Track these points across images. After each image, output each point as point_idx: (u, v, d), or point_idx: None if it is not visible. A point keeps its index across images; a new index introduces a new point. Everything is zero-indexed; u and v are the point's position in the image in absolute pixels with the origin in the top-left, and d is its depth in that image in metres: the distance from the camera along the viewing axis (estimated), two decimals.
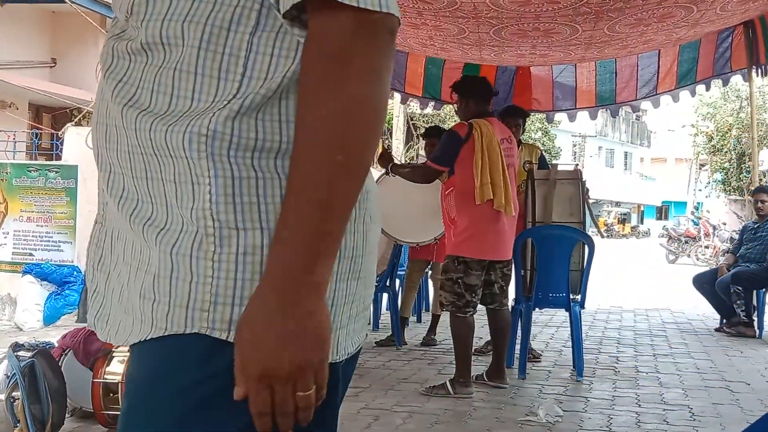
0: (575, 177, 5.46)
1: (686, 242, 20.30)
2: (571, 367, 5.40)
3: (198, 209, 0.89)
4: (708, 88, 8.02)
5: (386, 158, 5.25)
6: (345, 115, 0.84)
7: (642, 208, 53.89)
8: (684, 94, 7.87)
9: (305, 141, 0.86)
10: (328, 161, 0.84)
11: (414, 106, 10.22)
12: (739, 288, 7.36)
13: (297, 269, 0.85)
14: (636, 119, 51.79)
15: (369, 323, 1.03)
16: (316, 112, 0.85)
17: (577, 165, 6.08)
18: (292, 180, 0.87)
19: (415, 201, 5.67)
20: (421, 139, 12.64)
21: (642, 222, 51.18)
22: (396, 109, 17.09)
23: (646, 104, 8.42)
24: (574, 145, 43.97)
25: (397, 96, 8.63)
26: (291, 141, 0.90)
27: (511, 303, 5.21)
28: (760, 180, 16.52)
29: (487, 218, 4.60)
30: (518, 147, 5.78)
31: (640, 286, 12.90)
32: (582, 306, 5.31)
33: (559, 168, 5.63)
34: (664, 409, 4.46)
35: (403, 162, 14.38)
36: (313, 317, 0.86)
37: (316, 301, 0.87)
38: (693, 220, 22.37)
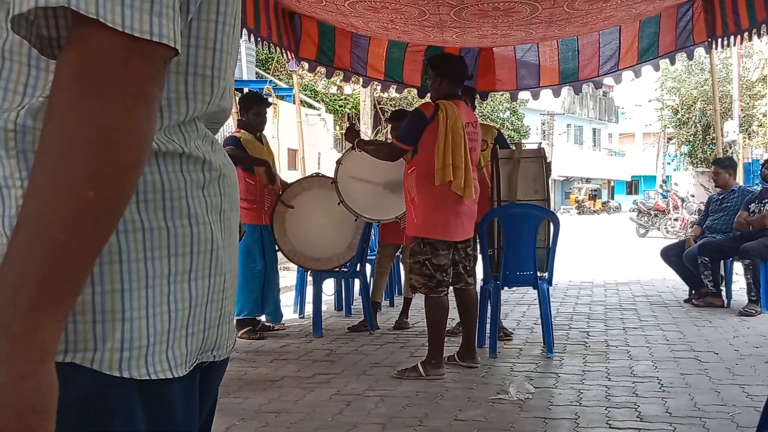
0: (539, 155, 5.49)
1: (655, 216, 20.50)
2: (542, 344, 5.44)
3: (9, 216, 0.79)
4: (673, 62, 8.06)
5: (353, 133, 5.25)
6: (102, 144, 0.72)
7: (612, 184, 54.39)
8: (647, 69, 7.91)
9: (48, 172, 0.72)
10: (75, 198, 0.72)
11: (378, 90, 10.18)
12: (706, 258, 7.45)
13: (16, 324, 0.71)
14: (603, 96, 52.14)
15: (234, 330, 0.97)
16: (64, 139, 0.72)
17: (540, 143, 6.11)
18: (25, 215, 0.72)
19: (380, 178, 5.65)
20: (387, 123, 12.62)
21: (612, 197, 51.64)
22: (363, 93, 17.04)
23: (608, 80, 8.47)
24: (543, 124, 44.20)
25: (361, 80, 8.60)
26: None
27: (479, 283, 5.23)
28: (725, 151, 16.73)
29: (446, 199, 4.59)
30: None
31: (611, 261, 13.03)
32: (549, 283, 5.34)
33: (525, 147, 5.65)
34: (634, 382, 4.52)
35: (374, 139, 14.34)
36: (24, 383, 0.70)
37: (34, 363, 0.71)
38: (662, 194, 22.61)
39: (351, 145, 5.26)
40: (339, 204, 5.67)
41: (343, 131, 5.53)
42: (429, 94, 4.97)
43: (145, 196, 0.84)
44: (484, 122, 6.43)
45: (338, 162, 5.74)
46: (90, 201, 0.72)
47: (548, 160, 5.59)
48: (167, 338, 0.86)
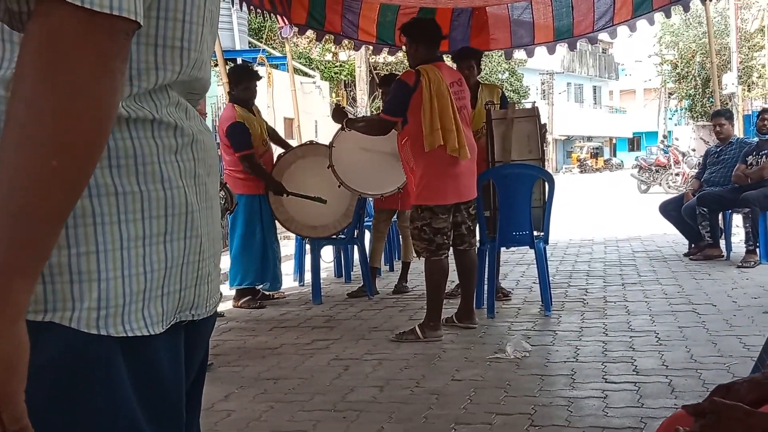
0: (532, 114, 5.45)
1: (657, 171, 20.42)
2: (540, 303, 5.45)
3: None
4: (669, 16, 7.96)
5: (339, 114, 5.18)
6: (65, 114, 0.75)
7: (614, 141, 54.11)
8: (642, 23, 7.81)
9: (14, 140, 0.75)
10: (40, 166, 0.74)
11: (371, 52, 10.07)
12: (705, 209, 7.42)
13: None
14: (603, 53, 51.64)
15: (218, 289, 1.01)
16: (29, 110, 0.74)
17: (534, 103, 6.06)
18: None
19: (375, 153, 5.62)
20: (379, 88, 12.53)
21: (615, 155, 51.41)
22: (358, 59, 16.90)
23: (604, 36, 8.37)
24: (543, 83, 43.85)
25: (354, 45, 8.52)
26: None
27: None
28: (724, 104, 16.62)
29: (443, 164, 4.57)
30: (478, 88, 5.74)
31: (612, 218, 13.00)
32: (546, 242, 5.34)
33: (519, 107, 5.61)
34: (631, 336, 4.53)
35: (364, 115, 14.25)
36: None
37: (7, 324, 0.74)
38: (663, 149, 22.51)
39: (340, 126, 5.22)
40: (339, 187, 5.62)
41: (330, 113, 5.47)
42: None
43: (117, 162, 0.87)
44: (486, 82, 6.36)
45: (330, 145, 5.68)
46: (54, 169, 0.75)
47: (543, 121, 5.52)
48: (143, 297, 0.89)
